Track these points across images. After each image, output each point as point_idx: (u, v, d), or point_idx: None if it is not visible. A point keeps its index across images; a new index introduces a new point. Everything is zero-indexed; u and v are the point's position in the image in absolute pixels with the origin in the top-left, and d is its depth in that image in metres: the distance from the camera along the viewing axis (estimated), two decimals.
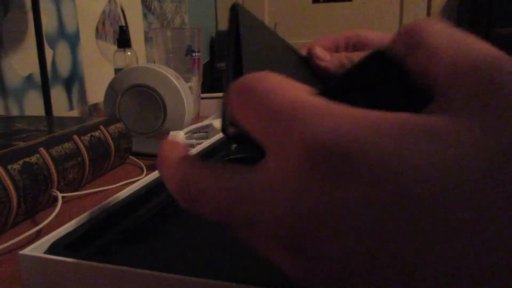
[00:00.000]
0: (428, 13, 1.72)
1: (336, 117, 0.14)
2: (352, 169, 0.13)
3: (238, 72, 0.19)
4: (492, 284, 0.12)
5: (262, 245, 0.16)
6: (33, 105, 0.79)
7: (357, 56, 0.32)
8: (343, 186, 0.13)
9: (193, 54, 0.83)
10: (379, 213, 0.12)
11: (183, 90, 0.70)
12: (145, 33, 1.27)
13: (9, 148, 0.39)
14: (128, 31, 0.87)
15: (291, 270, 0.15)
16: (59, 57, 0.88)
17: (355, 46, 0.34)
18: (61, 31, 0.88)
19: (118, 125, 0.55)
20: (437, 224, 0.12)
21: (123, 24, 1.14)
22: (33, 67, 0.78)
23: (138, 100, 0.70)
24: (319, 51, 0.32)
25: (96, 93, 0.99)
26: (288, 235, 0.14)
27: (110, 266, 0.24)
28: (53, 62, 0.86)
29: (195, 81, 0.85)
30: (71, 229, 0.29)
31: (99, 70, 1.02)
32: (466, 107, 0.13)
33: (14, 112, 0.75)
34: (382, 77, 0.15)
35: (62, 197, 0.40)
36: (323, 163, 0.13)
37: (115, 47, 0.89)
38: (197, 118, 0.85)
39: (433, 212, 0.12)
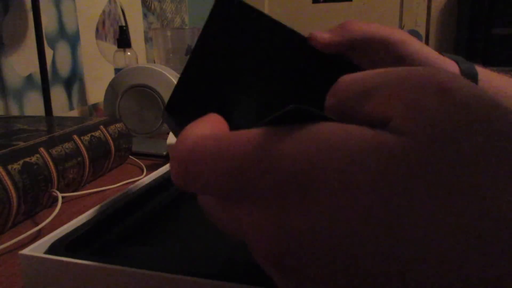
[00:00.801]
0: (428, 13, 1.72)
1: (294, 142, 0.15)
2: (311, 195, 0.14)
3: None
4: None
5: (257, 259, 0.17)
6: (33, 105, 0.79)
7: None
8: (305, 213, 0.14)
9: None
10: (342, 234, 0.14)
11: None
12: (145, 33, 1.27)
13: (9, 148, 0.39)
14: (128, 31, 0.87)
15: (280, 285, 0.16)
16: (59, 57, 0.88)
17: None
18: (61, 31, 0.88)
19: (118, 125, 0.55)
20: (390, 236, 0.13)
21: (123, 24, 1.14)
22: (33, 67, 0.78)
23: (138, 100, 0.70)
24: (318, 33, 0.33)
25: (96, 93, 0.99)
26: (273, 257, 0.15)
27: (110, 266, 0.24)
28: (53, 62, 0.86)
29: None
30: (71, 229, 0.29)
31: (99, 70, 1.02)
32: (400, 128, 0.14)
33: (14, 112, 0.75)
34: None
35: (62, 197, 0.40)
36: (289, 193, 0.15)
37: (115, 47, 0.89)
38: None
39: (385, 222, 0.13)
